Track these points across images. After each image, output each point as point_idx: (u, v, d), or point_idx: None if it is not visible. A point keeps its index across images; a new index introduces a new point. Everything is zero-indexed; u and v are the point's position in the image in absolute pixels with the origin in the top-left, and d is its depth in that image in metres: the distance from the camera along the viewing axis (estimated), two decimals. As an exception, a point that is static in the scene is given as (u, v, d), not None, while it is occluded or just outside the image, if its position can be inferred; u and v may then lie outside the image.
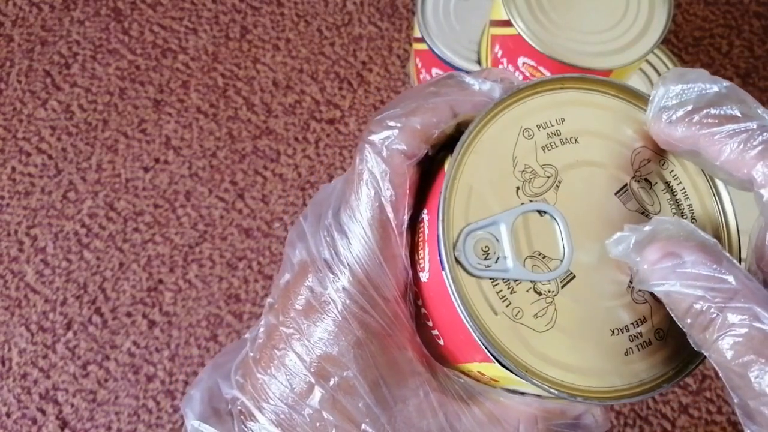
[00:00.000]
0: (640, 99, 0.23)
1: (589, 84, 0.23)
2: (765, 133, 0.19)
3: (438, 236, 0.20)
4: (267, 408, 0.22)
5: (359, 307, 0.21)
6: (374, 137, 0.22)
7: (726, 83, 0.20)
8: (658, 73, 0.54)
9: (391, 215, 0.21)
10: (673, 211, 0.22)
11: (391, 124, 0.22)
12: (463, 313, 0.19)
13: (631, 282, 0.21)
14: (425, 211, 0.22)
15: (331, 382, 0.21)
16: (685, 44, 0.61)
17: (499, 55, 0.45)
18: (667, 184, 0.22)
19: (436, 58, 0.51)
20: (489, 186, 0.21)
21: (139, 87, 0.59)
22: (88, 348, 0.50)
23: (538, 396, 0.23)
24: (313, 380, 0.21)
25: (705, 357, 0.20)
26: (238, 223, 0.54)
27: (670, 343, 0.21)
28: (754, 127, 0.19)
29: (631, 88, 0.23)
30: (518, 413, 0.22)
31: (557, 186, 0.21)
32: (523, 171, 0.21)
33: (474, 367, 0.22)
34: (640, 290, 0.21)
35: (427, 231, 0.22)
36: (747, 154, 0.19)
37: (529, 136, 0.22)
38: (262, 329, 0.23)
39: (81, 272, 0.52)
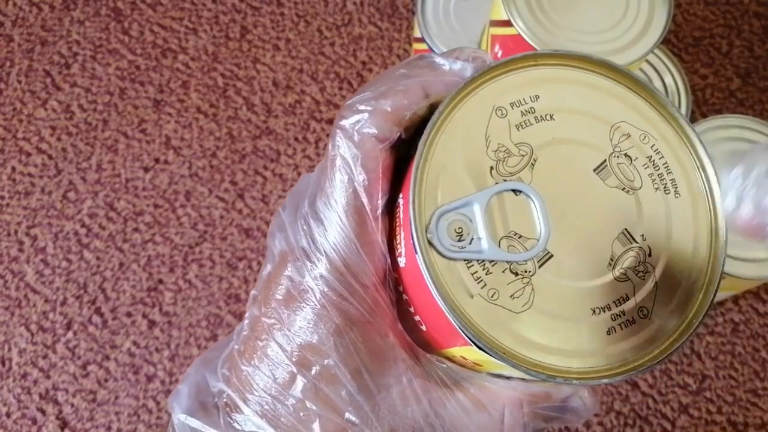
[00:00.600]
0: (617, 73, 0.22)
1: (564, 60, 0.22)
2: None
3: (410, 219, 0.20)
4: (252, 399, 0.22)
5: (337, 294, 0.21)
6: (345, 122, 0.21)
7: None
8: (658, 73, 0.54)
9: (365, 200, 0.21)
10: (656, 186, 0.21)
11: (362, 108, 0.21)
12: (437, 297, 0.19)
13: (612, 259, 0.20)
14: (401, 195, 0.22)
15: (313, 371, 0.21)
16: (685, 44, 0.62)
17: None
18: (649, 158, 0.21)
19: (436, 58, 0.51)
20: (461, 166, 0.20)
21: (139, 87, 0.59)
22: (88, 348, 0.50)
23: (523, 380, 0.23)
24: (294, 370, 0.21)
25: (690, 335, 0.20)
26: (238, 223, 0.54)
27: (655, 322, 0.20)
28: None
29: (607, 62, 0.22)
30: (503, 398, 0.22)
31: (532, 164, 0.21)
32: (496, 150, 0.21)
33: (456, 351, 0.22)
34: (622, 267, 0.20)
35: (401, 215, 0.21)
36: None
37: (502, 114, 0.21)
38: (246, 321, 0.23)
39: (81, 272, 0.52)
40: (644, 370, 0.20)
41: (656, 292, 0.20)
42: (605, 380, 0.19)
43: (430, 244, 0.20)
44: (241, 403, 0.22)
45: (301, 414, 0.21)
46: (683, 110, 0.53)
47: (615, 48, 0.40)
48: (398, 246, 0.22)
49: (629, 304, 0.20)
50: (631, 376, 0.20)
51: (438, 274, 0.19)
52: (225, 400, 0.23)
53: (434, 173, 0.20)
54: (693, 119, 0.56)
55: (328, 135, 0.57)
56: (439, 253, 0.20)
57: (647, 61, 0.54)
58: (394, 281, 0.23)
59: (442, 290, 0.19)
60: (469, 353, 0.21)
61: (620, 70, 0.22)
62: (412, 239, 0.20)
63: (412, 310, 0.22)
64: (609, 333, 0.20)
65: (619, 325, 0.20)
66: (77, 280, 0.52)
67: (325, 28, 0.61)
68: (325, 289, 0.21)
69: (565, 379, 0.19)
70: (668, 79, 0.54)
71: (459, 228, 0.20)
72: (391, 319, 0.22)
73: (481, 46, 0.49)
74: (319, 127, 0.57)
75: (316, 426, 0.21)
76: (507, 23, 0.41)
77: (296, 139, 0.57)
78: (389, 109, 0.21)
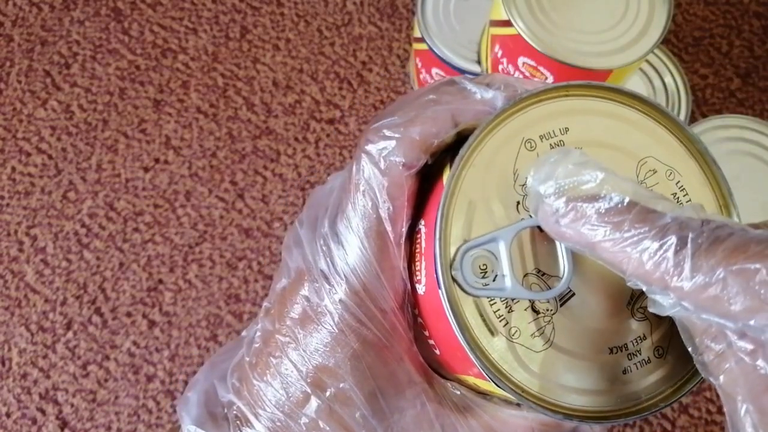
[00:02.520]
0: (646, 105, 0.22)
1: (594, 91, 0.22)
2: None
3: (435, 254, 0.19)
4: (263, 415, 0.22)
5: (356, 319, 0.21)
6: (371, 147, 0.21)
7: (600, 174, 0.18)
8: (658, 73, 0.54)
9: (389, 227, 0.21)
10: None
11: (389, 134, 0.21)
12: (459, 335, 0.19)
13: (631, 298, 0.20)
14: (422, 222, 0.22)
15: (328, 393, 0.21)
16: (685, 44, 0.61)
17: (499, 55, 0.45)
18: (673, 195, 0.21)
19: (436, 58, 0.51)
20: (488, 201, 0.20)
21: (139, 87, 0.58)
22: (88, 348, 0.50)
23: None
24: (309, 390, 0.21)
25: (703, 375, 0.19)
26: (238, 223, 0.54)
27: (669, 361, 0.20)
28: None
29: (638, 96, 0.22)
30: (515, 426, 0.22)
31: None
32: (524, 185, 0.21)
33: (470, 379, 0.21)
34: (640, 307, 0.20)
35: (423, 244, 0.21)
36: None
37: (531, 147, 0.21)
38: (258, 334, 0.23)
39: (81, 272, 0.52)
40: (656, 410, 0.20)
41: (672, 331, 0.20)
42: (620, 420, 0.19)
43: (454, 280, 0.19)
44: (252, 418, 0.22)
45: None
46: (683, 110, 0.53)
47: (615, 48, 0.40)
48: (417, 273, 0.22)
49: (646, 344, 0.20)
50: (643, 417, 0.20)
51: (461, 312, 0.19)
52: (235, 412, 0.23)
53: (460, 207, 0.20)
54: (693, 119, 0.56)
55: (327, 135, 0.57)
56: (463, 289, 0.19)
57: (647, 61, 0.54)
58: (411, 304, 0.23)
59: (465, 328, 0.19)
60: (483, 384, 0.21)
61: (650, 103, 0.22)
62: (436, 274, 0.19)
63: (427, 334, 0.22)
64: (624, 372, 0.20)
65: (635, 364, 0.20)
66: (77, 280, 0.52)
67: (325, 28, 0.61)
68: (344, 314, 0.21)
69: (581, 420, 0.19)
70: (668, 79, 0.54)
71: (483, 264, 0.20)
72: (407, 342, 0.22)
73: (481, 46, 0.49)
74: (318, 127, 0.57)
75: None
76: (507, 23, 0.41)
77: (296, 139, 0.57)
78: (417, 138, 0.21)
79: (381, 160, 0.21)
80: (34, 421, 0.48)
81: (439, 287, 0.19)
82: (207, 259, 0.53)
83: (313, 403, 0.21)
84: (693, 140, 0.22)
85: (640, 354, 0.20)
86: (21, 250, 0.53)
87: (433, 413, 0.22)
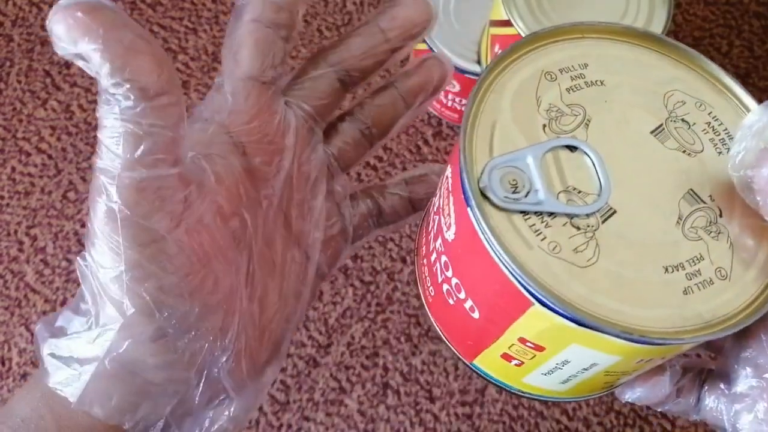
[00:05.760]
0: (664, 45, 0.22)
1: (609, 33, 0.22)
2: None
3: (461, 171, 0.19)
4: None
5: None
6: None
7: None
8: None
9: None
10: (718, 150, 0.21)
11: None
12: (494, 247, 0.18)
13: (680, 218, 0.20)
14: (449, 168, 0.21)
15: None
16: (685, 44, 0.61)
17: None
18: (707, 124, 0.21)
19: (436, 58, 0.51)
20: (513, 123, 0.20)
21: (139, 87, 0.58)
22: (87, 348, 0.50)
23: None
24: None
25: None
26: (238, 223, 0.54)
27: (736, 283, 0.19)
28: None
29: (653, 35, 0.22)
30: None
31: (587, 124, 0.20)
32: (548, 110, 0.20)
33: (516, 331, 0.20)
34: (692, 227, 0.20)
35: (450, 181, 0.21)
36: None
37: (552, 78, 0.21)
38: None
39: (81, 272, 0.52)
40: (725, 332, 0.18)
41: (733, 253, 0.20)
42: (687, 339, 0.18)
43: (484, 195, 0.19)
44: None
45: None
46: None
47: (615, 48, 0.40)
48: (446, 217, 0.21)
49: (704, 264, 0.19)
50: (713, 337, 0.18)
51: (493, 225, 0.18)
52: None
53: (485, 128, 0.20)
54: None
55: (328, 135, 0.57)
56: (494, 204, 0.19)
57: (647, 61, 0.54)
58: (443, 269, 0.22)
59: (498, 239, 0.18)
60: (532, 327, 0.19)
61: (668, 43, 0.22)
62: (464, 191, 0.19)
63: (462, 296, 0.21)
64: (685, 293, 0.19)
65: (697, 285, 0.19)
66: (77, 280, 0.52)
67: (325, 27, 0.61)
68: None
69: (642, 336, 0.18)
70: (668, 79, 0.54)
71: (513, 180, 0.19)
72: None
73: (481, 46, 0.49)
74: (319, 127, 0.57)
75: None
76: (507, 23, 0.41)
77: (296, 139, 0.57)
78: None
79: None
80: (34, 421, 0.48)
81: (468, 204, 0.19)
82: (207, 259, 0.53)
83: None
84: (719, 76, 0.22)
85: (700, 274, 0.19)
86: (21, 250, 0.53)
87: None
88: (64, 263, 0.52)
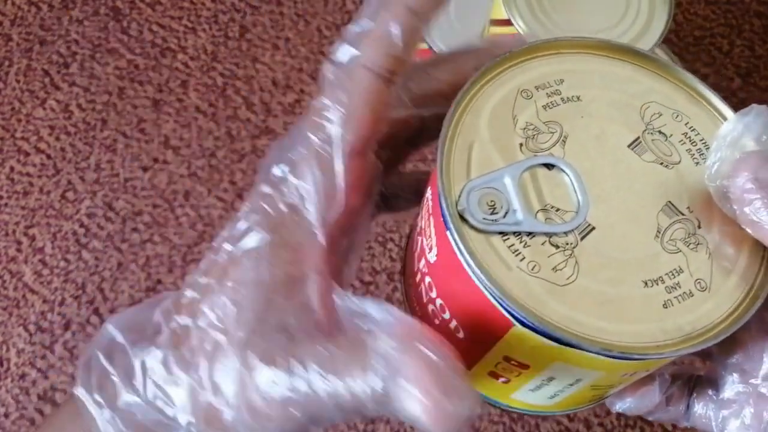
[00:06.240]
0: (640, 57, 0.22)
1: (585, 48, 0.22)
2: None
3: (439, 195, 0.19)
4: (174, 320, 0.21)
5: (264, 213, 0.20)
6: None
7: None
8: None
9: (339, 129, 0.19)
10: (696, 160, 0.21)
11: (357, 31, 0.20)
12: (472, 268, 0.18)
13: (659, 231, 0.20)
14: (428, 190, 0.22)
15: (228, 283, 0.20)
16: (686, 43, 0.61)
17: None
18: (684, 134, 0.21)
19: (435, 57, 0.50)
20: (490, 143, 0.20)
21: (138, 86, 0.58)
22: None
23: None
24: (215, 285, 0.20)
25: (755, 308, 0.18)
26: (237, 223, 0.54)
27: (716, 294, 0.19)
28: None
29: (629, 47, 0.22)
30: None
31: (563, 141, 0.20)
32: (525, 128, 0.21)
33: (500, 351, 0.20)
34: (671, 239, 0.20)
35: (431, 203, 0.21)
36: None
37: (527, 96, 0.21)
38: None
39: (79, 272, 0.52)
40: (704, 345, 0.18)
41: (712, 264, 0.20)
42: (667, 353, 0.18)
43: (462, 218, 0.19)
44: (164, 326, 0.21)
45: (204, 345, 0.20)
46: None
47: (615, 47, 0.40)
48: (428, 239, 0.21)
49: (684, 277, 0.19)
50: (690, 351, 0.18)
51: (472, 248, 0.19)
52: (153, 327, 0.22)
53: (461, 150, 0.20)
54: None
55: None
56: (472, 226, 0.19)
57: (648, 61, 0.54)
58: (427, 289, 0.22)
59: (477, 262, 0.18)
60: (515, 346, 0.20)
61: (643, 55, 0.22)
62: (443, 215, 0.19)
63: (447, 316, 0.21)
64: (666, 306, 0.19)
65: (676, 298, 0.19)
66: (75, 280, 0.52)
67: (325, 27, 0.61)
68: (265, 201, 0.20)
69: (622, 352, 0.18)
70: (669, 79, 0.54)
71: (491, 201, 0.19)
72: (320, 254, 0.20)
73: (481, 45, 0.49)
74: (318, 126, 0.57)
75: (207, 357, 0.19)
76: (507, 22, 0.41)
77: (295, 138, 0.57)
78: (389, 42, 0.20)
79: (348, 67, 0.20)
80: (33, 421, 0.48)
81: (447, 227, 0.19)
82: (206, 259, 0.53)
83: (189, 294, 0.20)
84: (695, 85, 0.22)
85: (680, 287, 0.19)
86: (19, 250, 0.53)
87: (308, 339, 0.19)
88: (62, 263, 0.52)
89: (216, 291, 0.20)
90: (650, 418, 0.24)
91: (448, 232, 0.19)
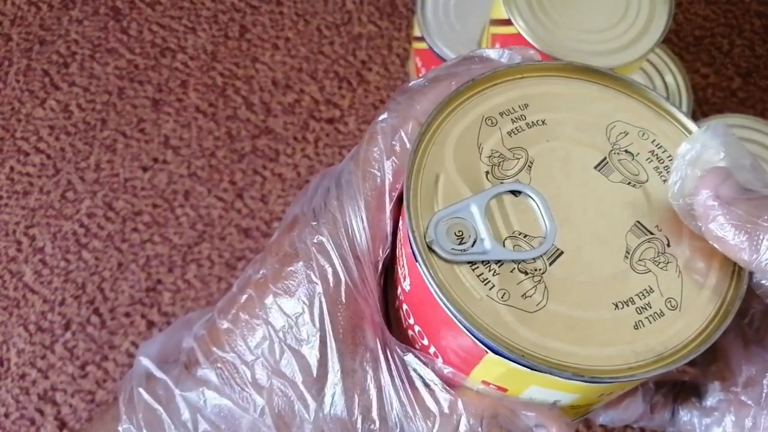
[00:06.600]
0: (604, 77, 0.22)
1: (548, 71, 0.22)
2: None
3: (407, 228, 0.19)
4: (215, 355, 0.21)
5: (328, 258, 0.21)
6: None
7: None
8: (659, 72, 0.54)
9: (390, 177, 0.21)
10: (663, 178, 0.21)
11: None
12: (441, 299, 0.18)
13: (627, 252, 0.20)
14: (401, 223, 0.22)
15: (280, 328, 0.21)
16: (686, 43, 0.61)
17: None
18: (651, 152, 0.21)
19: (436, 57, 0.50)
20: (456, 173, 0.20)
21: (138, 86, 0.58)
22: (86, 348, 0.50)
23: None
24: (263, 324, 0.21)
25: (726, 324, 0.19)
26: (237, 223, 0.54)
27: (687, 312, 0.19)
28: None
29: (592, 68, 0.22)
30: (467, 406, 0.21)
31: (529, 167, 0.21)
32: (490, 156, 0.21)
33: (477, 375, 0.21)
34: (640, 260, 0.20)
35: (401, 233, 0.21)
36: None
37: (492, 123, 0.21)
38: (236, 281, 0.23)
39: (79, 272, 0.52)
40: (677, 365, 0.19)
41: (683, 282, 0.20)
42: (639, 375, 0.18)
43: (431, 249, 0.19)
44: (202, 358, 0.22)
45: (257, 375, 0.21)
46: (684, 109, 0.53)
47: (615, 47, 0.40)
48: (401, 269, 0.21)
49: (654, 297, 0.19)
50: (666, 369, 0.18)
51: (441, 279, 0.19)
52: (187, 355, 0.22)
53: (428, 182, 0.20)
54: (694, 118, 0.56)
55: (327, 134, 0.57)
56: (440, 257, 0.19)
57: (648, 60, 0.54)
58: (405, 316, 0.22)
59: (446, 293, 0.19)
60: (491, 372, 0.20)
61: (607, 75, 0.22)
62: (411, 247, 0.19)
63: (426, 342, 0.22)
64: (636, 327, 0.19)
65: (647, 318, 0.19)
66: (75, 280, 0.52)
67: (325, 27, 0.61)
68: (318, 255, 0.21)
69: (593, 376, 0.18)
70: (669, 78, 0.54)
71: (459, 231, 0.19)
72: (372, 305, 0.21)
73: (481, 45, 0.49)
74: (318, 126, 0.57)
75: (264, 393, 0.20)
76: (507, 22, 0.41)
77: (295, 138, 0.57)
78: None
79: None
80: (33, 421, 0.48)
81: (416, 260, 0.19)
82: (206, 259, 0.53)
83: (265, 340, 0.21)
84: (660, 102, 0.22)
85: (651, 307, 0.19)
86: (19, 250, 0.53)
87: (375, 384, 0.21)
88: (62, 263, 0.52)
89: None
90: (636, 426, 0.24)
91: (417, 264, 0.19)
